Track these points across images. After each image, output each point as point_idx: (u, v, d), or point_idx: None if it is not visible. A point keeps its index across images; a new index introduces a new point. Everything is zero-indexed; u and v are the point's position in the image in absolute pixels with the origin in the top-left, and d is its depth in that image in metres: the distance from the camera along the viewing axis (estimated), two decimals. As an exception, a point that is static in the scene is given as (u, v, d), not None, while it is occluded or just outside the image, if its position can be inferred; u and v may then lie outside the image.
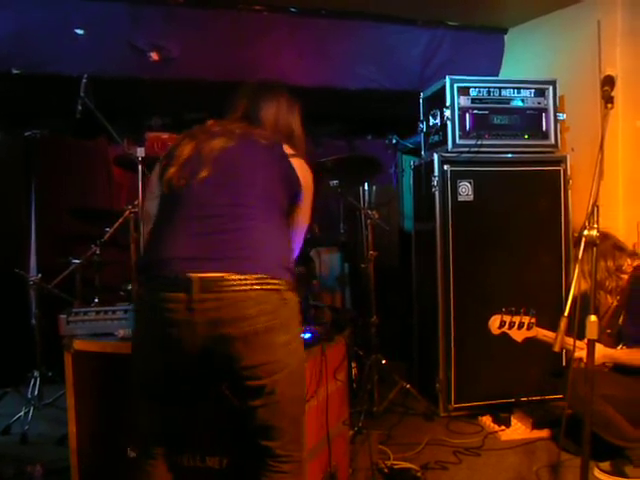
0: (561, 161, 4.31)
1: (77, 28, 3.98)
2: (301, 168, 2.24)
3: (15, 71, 4.13)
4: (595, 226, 2.44)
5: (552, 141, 4.31)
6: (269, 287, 1.96)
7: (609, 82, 2.70)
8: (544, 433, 3.87)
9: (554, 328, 3.03)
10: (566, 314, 2.35)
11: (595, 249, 2.46)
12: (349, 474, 3.12)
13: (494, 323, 3.24)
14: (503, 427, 3.97)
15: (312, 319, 2.83)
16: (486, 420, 4.11)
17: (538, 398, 4.18)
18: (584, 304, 4.20)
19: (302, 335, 2.18)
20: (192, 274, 1.92)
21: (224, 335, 1.93)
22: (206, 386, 2.20)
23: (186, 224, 2.05)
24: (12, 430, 4.03)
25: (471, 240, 4.23)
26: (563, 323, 2.34)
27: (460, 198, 4.21)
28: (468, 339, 4.17)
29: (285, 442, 2.09)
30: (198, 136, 2.20)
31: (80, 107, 3.87)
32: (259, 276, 1.95)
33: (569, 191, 4.30)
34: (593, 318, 2.44)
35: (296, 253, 2.34)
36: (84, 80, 3.83)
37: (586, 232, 2.44)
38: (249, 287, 1.93)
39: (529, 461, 3.54)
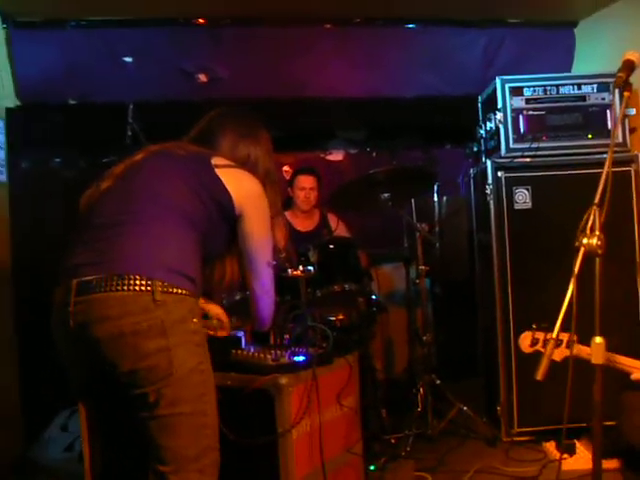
0: (632, 161, 3.90)
1: (123, 56, 4.10)
2: (236, 179, 2.19)
3: (71, 102, 4.33)
4: (597, 233, 2.16)
5: (620, 139, 3.92)
6: (138, 288, 1.89)
7: (627, 67, 2.41)
8: (613, 463, 3.46)
9: (628, 351, 2.72)
10: (555, 335, 2.06)
11: (598, 260, 2.18)
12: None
13: (524, 341, 2.95)
14: (566, 455, 3.63)
15: (311, 341, 2.70)
16: (549, 447, 3.77)
17: (610, 424, 3.77)
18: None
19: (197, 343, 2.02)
20: (73, 280, 1.94)
21: (92, 337, 1.90)
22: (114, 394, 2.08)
23: (82, 234, 2.08)
24: (74, 447, 4.17)
25: (531, 251, 3.92)
26: (550, 347, 2.06)
27: (517, 206, 3.92)
28: (532, 358, 3.84)
29: (180, 469, 1.95)
30: (125, 159, 2.24)
31: (130, 133, 4.01)
32: (129, 277, 1.90)
33: (643, 195, 3.90)
34: (598, 340, 2.16)
35: (264, 266, 2.32)
36: (130, 106, 3.96)
37: (585, 240, 2.16)
38: (115, 287, 1.89)
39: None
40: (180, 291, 1.97)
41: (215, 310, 2.55)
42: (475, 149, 5.05)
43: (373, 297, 4.09)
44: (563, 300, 3.87)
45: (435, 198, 5.05)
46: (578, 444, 3.69)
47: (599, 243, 2.12)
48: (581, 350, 2.92)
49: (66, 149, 5.14)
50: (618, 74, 2.35)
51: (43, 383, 4.46)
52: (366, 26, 4.55)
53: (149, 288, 1.91)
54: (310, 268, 3.58)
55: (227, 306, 2.88)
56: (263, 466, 2.47)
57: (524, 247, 3.93)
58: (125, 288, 1.90)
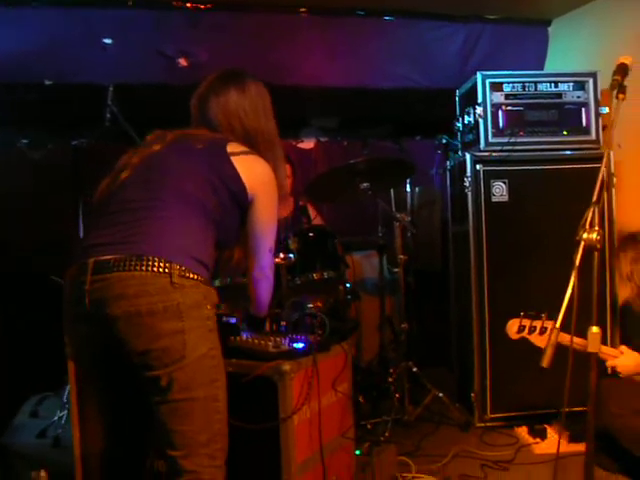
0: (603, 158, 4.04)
1: (103, 37, 4.02)
2: (250, 166, 2.20)
3: (47, 82, 4.24)
4: (596, 228, 2.26)
5: (593, 137, 4.05)
6: (157, 269, 1.93)
7: (621, 71, 2.51)
8: (582, 447, 3.61)
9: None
10: (558, 325, 2.16)
11: (596, 254, 2.28)
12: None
13: (512, 327, 3.05)
14: (538, 439, 3.77)
15: (307, 328, 2.74)
16: (521, 432, 3.91)
17: (580, 409, 3.91)
18: (628, 312, 3.96)
19: (208, 329, 2.04)
20: (90, 259, 1.97)
21: (108, 316, 1.93)
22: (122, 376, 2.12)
23: (101, 219, 2.11)
24: (47, 433, 4.11)
25: (507, 243, 4.03)
26: (554, 335, 2.15)
27: (494, 199, 4.02)
28: (505, 346, 3.95)
29: (191, 453, 1.98)
30: (138, 148, 2.26)
31: (109, 115, 3.96)
32: (148, 258, 1.94)
33: (613, 190, 4.03)
34: (595, 329, 2.27)
35: (265, 251, 2.31)
36: (110, 88, 3.91)
37: (585, 235, 2.26)
38: (133, 267, 1.92)
39: (559, 477, 3.32)
40: (196, 277, 2.00)
41: None
42: (444, 141, 5.14)
43: (347, 285, 4.16)
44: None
45: (408, 189, 5.12)
46: (549, 429, 3.84)
47: (598, 238, 2.21)
48: (564, 338, 3.05)
49: (37, 129, 5.05)
50: (614, 77, 2.45)
51: (8, 369, 4.40)
52: (346, 16, 4.59)
53: (167, 270, 1.94)
54: (291, 255, 3.64)
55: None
56: (264, 451, 2.52)
57: (500, 239, 4.03)
58: (144, 268, 1.92)
